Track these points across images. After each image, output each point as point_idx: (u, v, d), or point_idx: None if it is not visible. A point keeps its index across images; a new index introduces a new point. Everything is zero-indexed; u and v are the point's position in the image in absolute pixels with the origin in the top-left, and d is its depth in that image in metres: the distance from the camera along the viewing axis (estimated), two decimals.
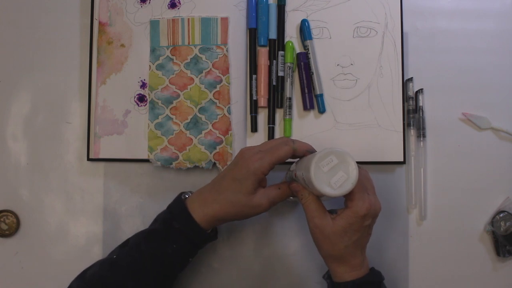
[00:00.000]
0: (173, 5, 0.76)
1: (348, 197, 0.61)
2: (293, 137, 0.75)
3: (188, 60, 0.75)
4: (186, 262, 0.66)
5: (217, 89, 0.74)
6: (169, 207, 0.67)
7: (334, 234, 0.62)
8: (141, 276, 0.63)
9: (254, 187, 0.63)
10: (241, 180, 0.62)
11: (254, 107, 0.75)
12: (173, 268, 0.65)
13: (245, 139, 0.75)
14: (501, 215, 0.75)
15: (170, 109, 0.75)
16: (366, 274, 0.64)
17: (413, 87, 0.76)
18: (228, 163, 0.73)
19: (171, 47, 0.75)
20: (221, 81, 0.74)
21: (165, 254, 0.63)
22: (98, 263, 0.66)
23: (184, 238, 0.64)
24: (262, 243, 0.76)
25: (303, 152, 0.64)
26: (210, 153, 0.73)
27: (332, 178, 0.58)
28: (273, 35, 0.76)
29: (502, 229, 0.75)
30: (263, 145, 0.65)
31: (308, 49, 0.75)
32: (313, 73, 0.75)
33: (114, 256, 0.65)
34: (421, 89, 0.77)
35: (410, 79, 0.76)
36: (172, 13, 0.76)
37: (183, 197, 0.66)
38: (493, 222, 0.75)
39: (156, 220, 0.67)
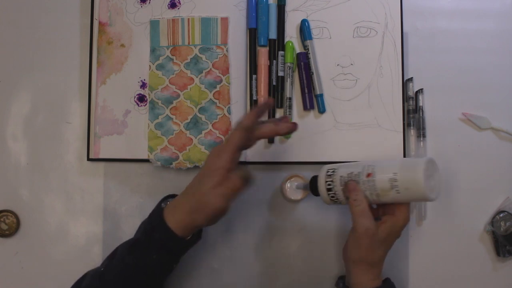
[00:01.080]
0: (173, 5, 0.76)
1: (400, 206, 0.64)
2: (293, 137, 0.75)
3: (188, 60, 0.75)
4: (170, 268, 0.66)
5: (217, 89, 0.74)
6: (150, 216, 0.67)
7: (378, 241, 0.64)
8: (127, 287, 0.63)
9: (216, 182, 0.61)
10: (203, 181, 0.62)
11: (254, 107, 0.75)
12: (157, 276, 0.65)
13: None
14: (501, 215, 0.75)
15: (170, 109, 0.75)
16: (382, 283, 0.65)
17: (413, 87, 0.76)
18: None
19: (171, 47, 0.75)
20: (221, 81, 0.74)
21: (147, 264, 0.63)
22: (90, 275, 0.66)
23: (164, 247, 0.63)
24: (262, 244, 0.76)
25: (253, 120, 0.62)
26: None
27: (430, 184, 0.62)
28: (273, 35, 0.76)
29: (502, 229, 0.75)
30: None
31: (308, 49, 0.75)
32: (313, 73, 0.75)
33: (102, 269, 0.65)
34: (421, 89, 0.77)
35: (410, 79, 0.76)
36: (172, 13, 0.76)
37: (163, 205, 0.66)
38: (493, 222, 0.75)
39: (139, 228, 0.67)
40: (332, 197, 0.67)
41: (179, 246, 0.64)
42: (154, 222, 0.64)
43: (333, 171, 0.67)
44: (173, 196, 0.72)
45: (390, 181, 0.63)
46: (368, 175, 0.64)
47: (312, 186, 0.69)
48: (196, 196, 0.62)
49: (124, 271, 0.63)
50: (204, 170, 0.63)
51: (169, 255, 0.64)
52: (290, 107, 0.75)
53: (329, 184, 0.67)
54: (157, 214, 0.65)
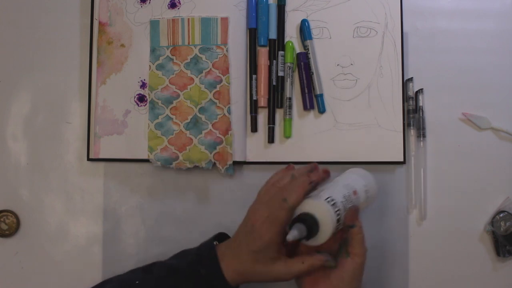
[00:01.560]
0: (173, 5, 0.76)
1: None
2: (293, 137, 0.75)
3: (188, 60, 0.75)
4: None
5: (217, 89, 0.74)
6: (199, 249, 0.65)
7: None
8: None
9: (273, 256, 0.61)
10: (258, 253, 0.60)
11: (254, 107, 0.75)
12: None
13: (245, 139, 0.75)
14: (501, 215, 0.75)
15: (170, 109, 0.75)
16: None
17: (413, 87, 0.76)
18: (228, 163, 0.73)
19: (171, 47, 0.75)
20: (221, 81, 0.74)
21: None
22: (118, 280, 0.65)
23: (207, 285, 0.62)
24: None
25: (302, 199, 0.60)
26: (210, 153, 0.73)
27: None
28: (273, 35, 0.76)
29: (502, 229, 0.75)
30: (264, 198, 0.64)
31: (308, 49, 0.75)
32: (313, 73, 0.75)
33: (137, 282, 0.63)
34: (421, 89, 0.77)
35: (410, 79, 0.76)
36: (172, 13, 0.76)
37: (215, 243, 0.65)
38: (493, 222, 0.75)
39: (184, 255, 0.65)
40: (336, 228, 0.61)
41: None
42: (204, 257, 0.63)
43: (332, 199, 0.60)
44: (224, 234, 0.70)
45: (365, 192, 0.65)
46: (354, 192, 0.64)
47: (312, 225, 0.58)
48: (253, 264, 0.61)
49: None
50: (256, 241, 0.60)
51: None
52: (290, 107, 0.75)
53: (338, 214, 0.60)
54: (209, 251, 0.63)
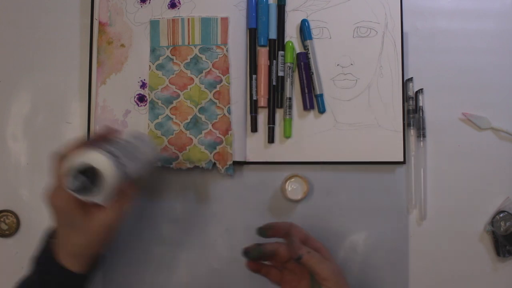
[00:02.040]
0: (173, 5, 0.76)
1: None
2: (293, 137, 0.75)
3: (188, 60, 0.75)
4: None
5: (217, 89, 0.74)
6: (39, 254, 0.61)
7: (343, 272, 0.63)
8: None
9: (78, 214, 0.56)
10: (65, 226, 0.57)
11: (254, 107, 0.75)
12: None
13: (245, 139, 0.75)
14: (501, 215, 0.75)
15: (170, 109, 0.75)
16: None
17: (413, 87, 0.76)
18: (228, 163, 0.73)
19: (171, 47, 0.75)
20: (221, 81, 0.74)
21: None
22: None
23: (60, 286, 0.59)
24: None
25: (70, 149, 0.57)
26: (210, 153, 0.73)
27: None
28: (273, 35, 0.76)
29: (502, 229, 0.75)
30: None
31: (308, 49, 0.75)
32: (313, 73, 0.75)
33: None
34: (421, 89, 0.77)
35: (410, 79, 0.76)
36: (172, 13, 0.76)
37: (50, 240, 0.61)
38: (493, 222, 0.75)
39: (32, 265, 0.62)
40: (123, 167, 0.56)
41: (70, 281, 0.59)
42: (46, 262, 0.59)
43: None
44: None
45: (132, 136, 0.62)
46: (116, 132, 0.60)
47: (85, 170, 0.54)
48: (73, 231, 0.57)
49: None
50: (53, 215, 0.57)
51: None
52: (290, 107, 0.75)
53: (110, 152, 0.55)
54: (46, 253, 0.59)
